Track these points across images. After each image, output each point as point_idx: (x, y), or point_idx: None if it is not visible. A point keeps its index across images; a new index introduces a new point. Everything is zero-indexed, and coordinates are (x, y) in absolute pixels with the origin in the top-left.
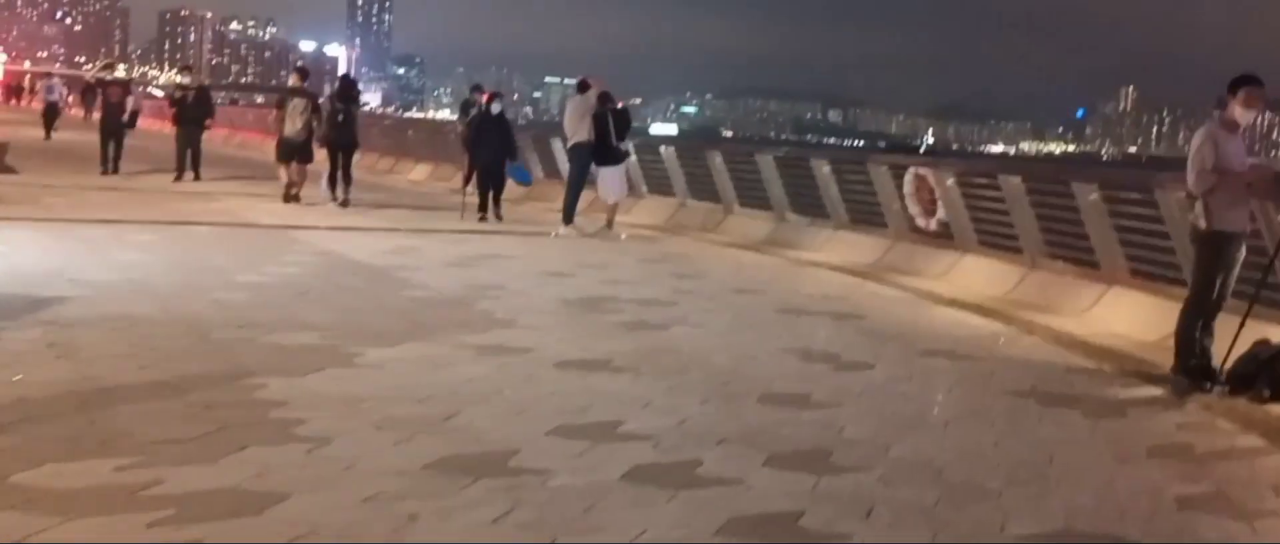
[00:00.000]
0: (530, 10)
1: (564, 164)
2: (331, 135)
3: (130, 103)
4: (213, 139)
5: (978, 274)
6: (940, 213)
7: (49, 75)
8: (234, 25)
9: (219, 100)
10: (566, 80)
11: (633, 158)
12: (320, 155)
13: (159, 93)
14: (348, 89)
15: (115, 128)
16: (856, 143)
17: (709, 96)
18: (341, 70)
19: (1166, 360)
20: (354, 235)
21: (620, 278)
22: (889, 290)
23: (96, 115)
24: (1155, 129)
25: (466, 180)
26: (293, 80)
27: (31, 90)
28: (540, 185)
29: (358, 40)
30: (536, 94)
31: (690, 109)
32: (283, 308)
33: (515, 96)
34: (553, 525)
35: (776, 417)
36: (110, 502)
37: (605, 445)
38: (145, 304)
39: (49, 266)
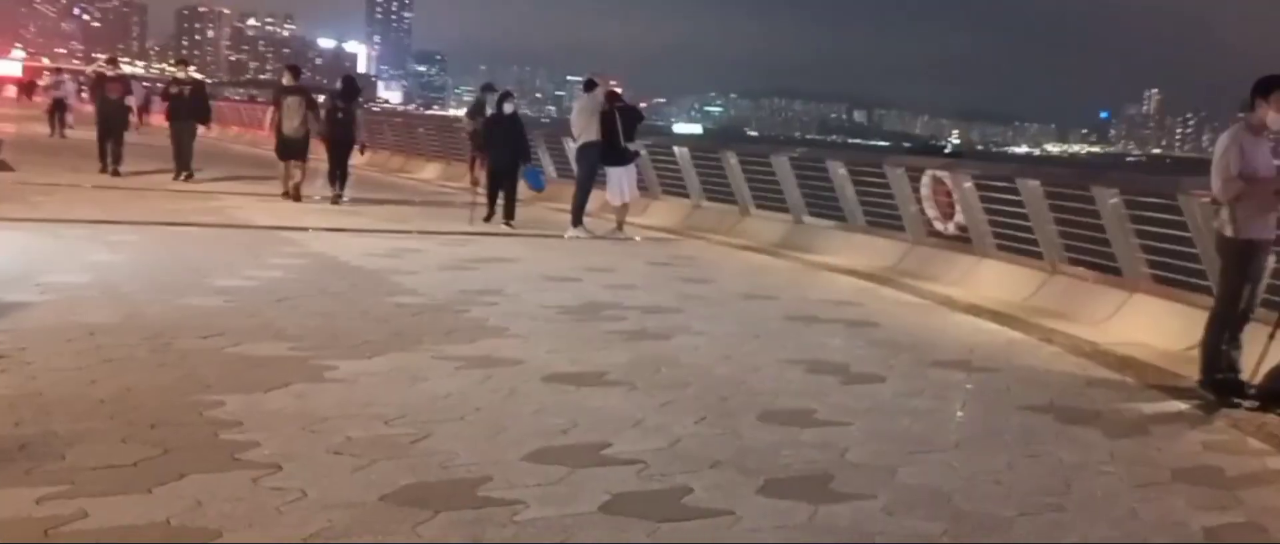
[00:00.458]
0: (554, 9)
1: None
2: (330, 132)
3: (133, 99)
4: (220, 136)
5: (996, 279)
6: (958, 216)
7: (59, 71)
8: (252, 21)
9: (237, 96)
10: None
11: (644, 158)
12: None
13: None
14: (348, 87)
15: (114, 125)
16: (881, 144)
17: (734, 96)
18: (361, 68)
19: (1191, 372)
20: (349, 237)
21: (626, 282)
22: (904, 296)
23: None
24: (1178, 131)
25: (475, 181)
26: (286, 78)
27: (44, 87)
28: (553, 186)
29: (377, 37)
30: (559, 93)
31: (715, 108)
32: (256, 315)
33: (538, 95)
34: None
35: (776, 436)
36: (21, 538)
37: (585, 471)
38: (109, 311)
39: (18, 269)
